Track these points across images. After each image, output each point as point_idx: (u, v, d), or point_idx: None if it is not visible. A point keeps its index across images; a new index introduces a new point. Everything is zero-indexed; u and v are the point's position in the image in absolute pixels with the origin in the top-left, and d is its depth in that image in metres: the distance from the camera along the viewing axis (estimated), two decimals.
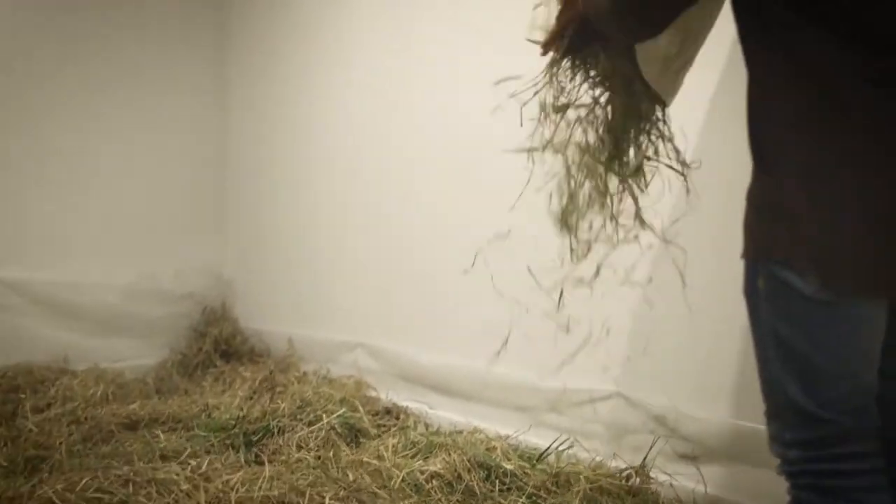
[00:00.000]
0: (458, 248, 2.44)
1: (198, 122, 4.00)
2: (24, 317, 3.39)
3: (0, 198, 3.39)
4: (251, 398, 2.92)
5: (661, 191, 1.68)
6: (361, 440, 2.48)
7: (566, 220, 1.67)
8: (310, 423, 2.47)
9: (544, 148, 1.66)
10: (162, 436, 2.48)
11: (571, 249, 1.68)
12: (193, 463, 2.12)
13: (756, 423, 1.81)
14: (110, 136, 3.70)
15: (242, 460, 2.28)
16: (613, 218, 1.65)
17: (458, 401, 2.78)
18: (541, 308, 2.03)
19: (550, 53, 1.58)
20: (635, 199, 1.64)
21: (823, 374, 1.19)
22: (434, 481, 2.07)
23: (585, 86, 1.62)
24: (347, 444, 2.42)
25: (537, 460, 2.29)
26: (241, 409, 2.65)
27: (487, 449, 2.29)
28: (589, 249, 1.69)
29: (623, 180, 1.63)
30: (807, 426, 1.22)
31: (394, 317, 3.11)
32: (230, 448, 2.38)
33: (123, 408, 2.80)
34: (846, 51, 1.12)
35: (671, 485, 2.12)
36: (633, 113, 1.61)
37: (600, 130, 1.63)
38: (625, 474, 2.15)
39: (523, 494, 2.06)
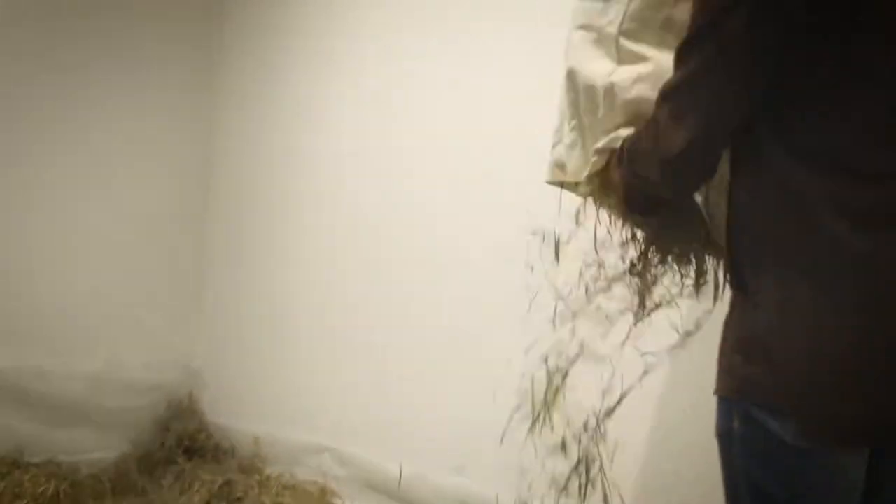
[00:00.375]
0: (435, 357, 2.39)
1: (175, 207, 3.93)
2: None
3: None
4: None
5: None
6: None
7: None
8: None
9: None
10: None
11: None
12: None
13: None
14: (81, 216, 3.55)
15: None
16: None
17: None
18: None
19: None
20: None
21: None
22: None
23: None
24: None
25: None
26: None
27: None
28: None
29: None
30: None
31: (363, 422, 3.01)
32: None
33: None
34: (828, 184, 1.11)
35: None
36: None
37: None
38: None
39: None
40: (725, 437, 1.23)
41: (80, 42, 3.49)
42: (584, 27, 1.49)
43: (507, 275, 1.77)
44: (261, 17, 3.71)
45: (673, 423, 2.09)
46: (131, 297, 3.74)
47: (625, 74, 1.40)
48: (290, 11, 3.58)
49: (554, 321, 1.73)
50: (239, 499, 2.77)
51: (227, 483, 2.97)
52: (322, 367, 3.27)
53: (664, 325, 1.67)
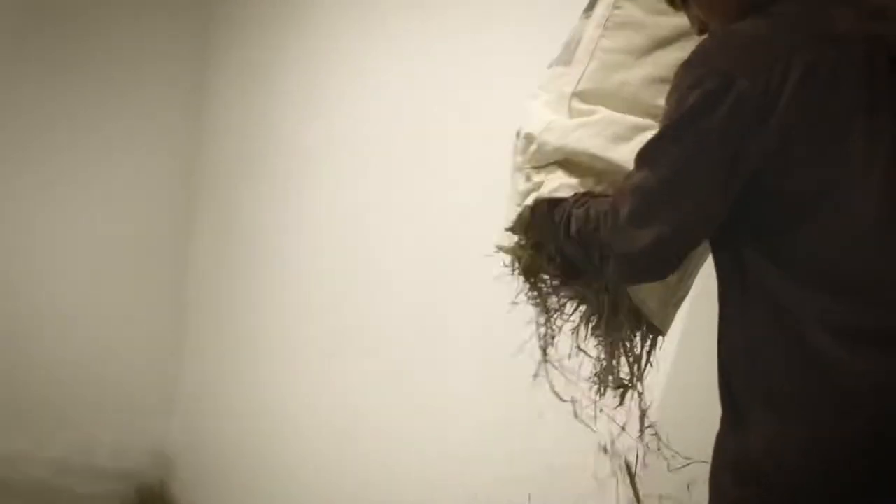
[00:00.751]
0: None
1: (152, 283, 3.84)
2: None
3: None
4: None
5: None
6: None
7: None
8: None
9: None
10: None
11: None
12: None
13: None
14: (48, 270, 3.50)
15: None
16: None
17: None
18: None
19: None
20: None
21: None
22: None
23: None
24: None
25: None
26: None
27: None
28: None
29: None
30: None
31: None
32: None
33: None
34: (815, 301, 1.09)
35: None
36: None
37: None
38: None
39: None
40: None
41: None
42: (542, 87, 1.49)
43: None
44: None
45: None
46: (101, 380, 3.63)
47: (567, 122, 1.39)
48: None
49: None
50: None
51: None
52: (291, 464, 3.16)
53: None
